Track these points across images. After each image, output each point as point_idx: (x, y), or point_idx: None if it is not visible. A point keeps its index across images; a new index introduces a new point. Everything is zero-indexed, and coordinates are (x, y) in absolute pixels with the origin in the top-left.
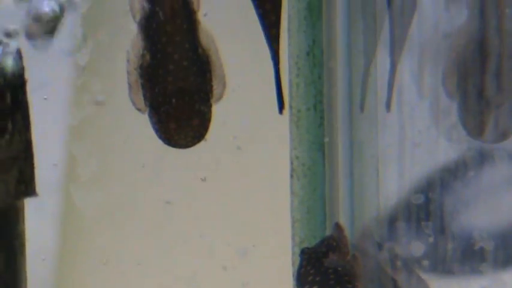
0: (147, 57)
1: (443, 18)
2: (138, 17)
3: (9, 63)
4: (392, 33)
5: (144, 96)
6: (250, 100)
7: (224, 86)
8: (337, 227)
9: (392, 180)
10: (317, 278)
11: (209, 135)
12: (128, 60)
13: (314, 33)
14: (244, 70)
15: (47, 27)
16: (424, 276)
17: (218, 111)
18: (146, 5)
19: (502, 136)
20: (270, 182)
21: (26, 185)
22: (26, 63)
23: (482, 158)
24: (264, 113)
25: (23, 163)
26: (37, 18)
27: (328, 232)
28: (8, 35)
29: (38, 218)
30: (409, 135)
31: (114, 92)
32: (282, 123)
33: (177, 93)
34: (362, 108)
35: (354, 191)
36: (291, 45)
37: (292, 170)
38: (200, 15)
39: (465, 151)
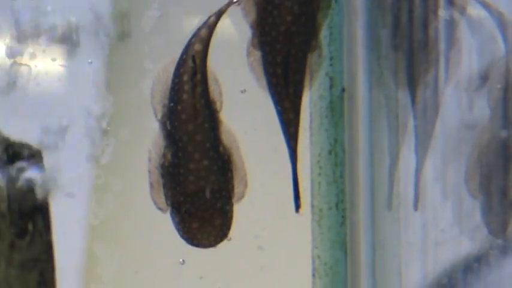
0: (168, 156)
1: (466, 116)
2: (159, 115)
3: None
4: (417, 131)
5: (166, 195)
6: (271, 199)
7: (245, 184)
8: None
9: (415, 281)
10: None
11: (231, 234)
12: (150, 159)
13: (336, 132)
14: (265, 168)
15: None
16: None
17: (239, 210)
18: (168, 103)
19: None
20: (292, 281)
21: (47, 287)
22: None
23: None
24: (285, 212)
25: (44, 264)
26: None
27: None
28: None
29: None
30: (432, 234)
31: (135, 191)
32: (304, 222)
33: (199, 193)
34: (390, 206)
35: None
36: (312, 143)
37: (314, 269)
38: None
39: (487, 249)
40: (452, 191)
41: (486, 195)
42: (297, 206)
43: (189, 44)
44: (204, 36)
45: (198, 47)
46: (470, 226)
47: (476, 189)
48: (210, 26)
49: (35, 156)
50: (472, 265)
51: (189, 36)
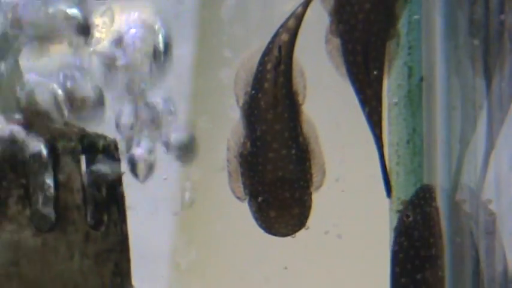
0: (247, 145)
1: None
2: (241, 102)
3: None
4: (490, 120)
5: (244, 184)
6: (351, 188)
7: (324, 173)
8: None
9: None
10: None
11: (309, 222)
12: (228, 148)
13: (414, 121)
14: (345, 157)
15: None
16: None
17: (318, 198)
18: (250, 91)
19: None
20: (370, 272)
21: (122, 278)
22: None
23: None
24: (365, 201)
25: (118, 256)
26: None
27: None
28: None
29: None
30: (509, 226)
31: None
32: (383, 212)
33: (277, 182)
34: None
35: None
36: (391, 133)
37: None
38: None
39: None
40: None
41: None
42: (388, 191)
43: (276, 34)
44: (291, 27)
45: (284, 37)
46: None
47: None
48: (298, 17)
49: (110, 147)
50: None
51: (268, 25)
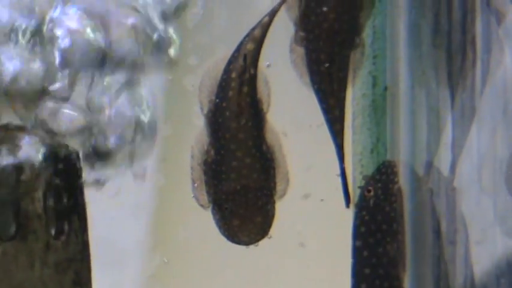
0: (211, 153)
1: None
2: (205, 110)
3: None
4: (454, 130)
5: (208, 192)
6: (314, 196)
7: (287, 182)
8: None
9: (459, 282)
10: None
11: (272, 231)
12: (192, 156)
13: (378, 131)
14: (309, 166)
15: None
16: None
17: (281, 207)
18: (214, 99)
19: None
20: (333, 280)
21: (82, 287)
22: None
23: None
24: (328, 210)
25: (79, 265)
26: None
27: None
28: None
29: None
30: (472, 234)
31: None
32: (346, 220)
33: (240, 191)
34: None
35: None
36: (354, 142)
37: None
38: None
39: None
40: (492, 191)
41: None
42: (347, 201)
43: (242, 43)
44: (257, 36)
45: (250, 46)
46: (511, 225)
47: None
48: (264, 26)
49: (71, 156)
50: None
51: (233, 33)
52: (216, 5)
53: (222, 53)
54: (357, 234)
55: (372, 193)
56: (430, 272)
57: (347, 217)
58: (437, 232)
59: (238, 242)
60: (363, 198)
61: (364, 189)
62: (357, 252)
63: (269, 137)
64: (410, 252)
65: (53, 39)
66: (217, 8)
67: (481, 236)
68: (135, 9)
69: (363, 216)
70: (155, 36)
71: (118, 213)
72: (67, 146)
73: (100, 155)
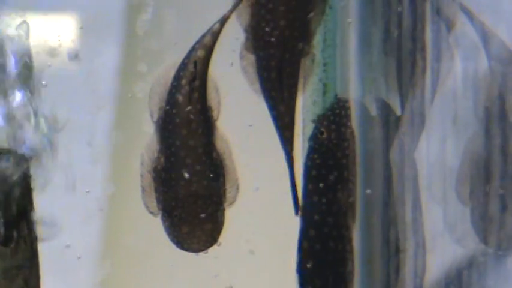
0: (162, 160)
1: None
2: (156, 117)
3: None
4: (403, 138)
5: (157, 199)
6: (264, 204)
7: (237, 189)
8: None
9: None
10: None
11: (222, 238)
12: (142, 163)
13: None
14: (258, 173)
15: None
16: None
17: (231, 214)
18: (164, 106)
19: None
20: (282, 286)
21: None
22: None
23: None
24: (278, 217)
25: (28, 272)
26: None
27: None
28: None
29: None
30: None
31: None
32: (296, 228)
33: (190, 198)
34: None
35: None
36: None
37: None
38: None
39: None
40: (442, 199)
41: (477, 203)
42: (296, 209)
43: (192, 49)
44: (207, 43)
45: (201, 53)
46: (461, 233)
47: (467, 197)
48: (214, 34)
49: (19, 164)
50: (463, 273)
51: (183, 40)
52: (165, 12)
53: (172, 60)
54: (308, 177)
55: (324, 135)
56: (379, 222)
57: (296, 224)
58: (389, 179)
59: (188, 249)
60: (315, 139)
61: (317, 131)
62: (307, 195)
63: (219, 144)
64: (360, 201)
65: None
66: (167, 14)
67: (431, 244)
68: None
69: (314, 159)
70: None
71: (68, 219)
72: (15, 152)
73: None
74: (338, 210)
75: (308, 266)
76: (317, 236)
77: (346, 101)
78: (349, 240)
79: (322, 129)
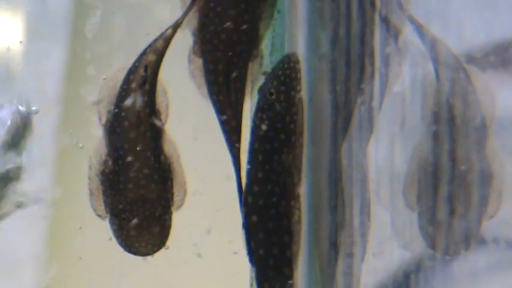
0: (109, 163)
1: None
2: (104, 120)
3: None
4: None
5: (105, 202)
6: (211, 207)
7: (185, 193)
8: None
9: None
10: None
11: (169, 242)
12: (90, 166)
13: None
14: (206, 177)
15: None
16: None
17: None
18: (113, 109)
19: (462, 247)
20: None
21: None
22: None
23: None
24: (225, 220)
25: None
26: None
27: None
28: None
29: None
30: (369, 246)
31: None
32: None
33: (138, 201)
34: None
35: None
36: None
37: (252, 278)
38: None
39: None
40: (389, 204)
41: (424, 208)
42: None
43: (144, 53)
44: (159, 48)
45: (152, 57)
46: (408, 238)
47: (414, 202)
48: (166, 39)
49: None
50: (410, 277)
51: (132, 43)
52: (114, 15)
53: (121, 63)
54: (255, 136)
55: (273, 96)
56: (326, 177)
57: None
58: (335, 137)
59: (135, 253)
60: (264, 98)
61: (266, 90)
62: (253, 154)
63: (167, 148)
64: (307, 159)
65: None
66: (116, 18)
67: (378, 248)
68: None
69: (262, 119)
70: None
71: (14, 223)
72: None
73: None
74: (282, 171)
75: (253, 219)
76: (260, 192)
77: (295, 57)
78: (296, 197)
79: (272, 90)
